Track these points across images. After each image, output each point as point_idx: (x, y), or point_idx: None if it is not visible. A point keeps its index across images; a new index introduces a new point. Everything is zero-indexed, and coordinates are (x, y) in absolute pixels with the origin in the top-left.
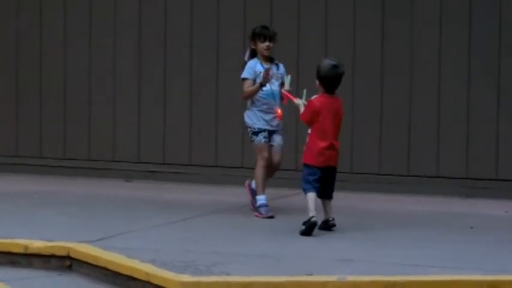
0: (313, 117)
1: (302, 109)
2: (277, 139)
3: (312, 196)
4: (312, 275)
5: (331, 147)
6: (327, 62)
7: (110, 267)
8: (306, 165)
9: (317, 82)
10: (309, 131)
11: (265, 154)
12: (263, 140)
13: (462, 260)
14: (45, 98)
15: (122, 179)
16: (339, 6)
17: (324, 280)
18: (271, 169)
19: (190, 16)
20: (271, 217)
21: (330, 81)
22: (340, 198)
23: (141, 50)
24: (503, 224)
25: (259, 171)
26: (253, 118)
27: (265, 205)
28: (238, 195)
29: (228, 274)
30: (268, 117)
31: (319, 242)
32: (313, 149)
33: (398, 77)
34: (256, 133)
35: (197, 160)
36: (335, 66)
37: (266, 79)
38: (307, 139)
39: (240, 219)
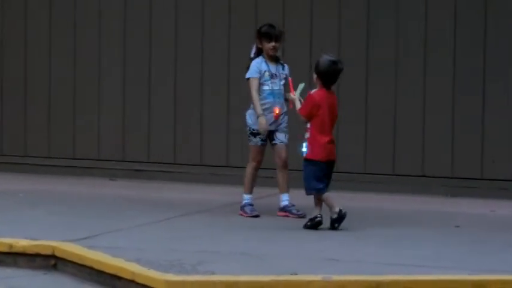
0: (312, 111)
1: (298, 104)
2: (279, 137)
3: (328, 196)
4: (296, 274)
5: (331, 141)
6: (326, 58)
7: (95, 266)
8: (310, 161)
9: (315, 76)
10: (308, 125)
11: (258, 157)
12: (260, 142)
13: (448, 259)
14: (31, 96)
15: (107, 178)
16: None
17: (309, 279)
18: (279, 167)
19: (174, 15)
20: (257, 216)
21: (328, 76)
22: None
23: (125, 49)
24: (489, 224)
25: (249, 171)
26: (253, 118)
27: (250, 204)
28: (223, 194)
29: (213, 273)
30: (269, 117)
31: (303, 242)
32: (316, 144)
33: (383, 77)
34: (254, 134)
35: (182, 159)
36: (334, 63)
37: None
38: (307, 134)
39: (225, 218)
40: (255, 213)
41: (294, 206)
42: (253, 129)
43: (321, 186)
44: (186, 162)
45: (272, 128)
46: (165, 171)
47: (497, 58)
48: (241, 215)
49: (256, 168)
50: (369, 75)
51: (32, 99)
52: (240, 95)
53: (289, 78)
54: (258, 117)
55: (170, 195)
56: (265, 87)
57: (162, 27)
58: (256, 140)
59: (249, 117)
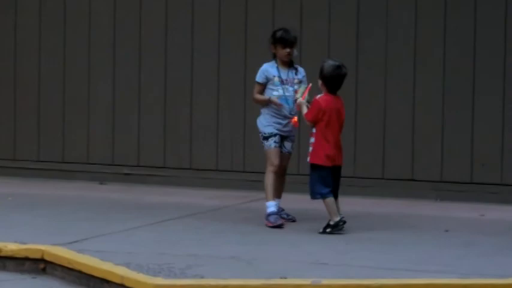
0: (318, 116)
1: (304, 109)
2: (287, 146)
3: (332, 201)
4: (286, 278)
5: (337, 146)
6: (330, 63)
7: (84, 270)
8: (316, 166)
9: (320, 82)
10: (314, 130)
11: (275, 161)
12: (273, 145)
13: (437, 263)
14: (19, 100)
15: (96, 182)
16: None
17: (299, 283)
18: (279, 174)
19: (164, 19)
20: (280, 226)
21: (333, 81)
22: (314, 202)
23: (115, 53)
24: (478, 228)
25: (269, 177)
26: (263, 122)
27: (275, 213)
28: (212, 197)
29: (202, 277)
30: (280, 121)
31: (292, 246)
32: (321, 149)
33: (372, 81)
34: (266, 138)
35: (172, 163)
36: (338, 67)
37: (276, 104)
38: (313, 139)
39: (215, 221)
40: (279, 222)
41: (283, 210)
42: (264, 133)
43: (325, 191)
44: (175, 166)
45: (285, 133)
46: (154, 175)
47: (486, 62)
48: (267, 224)
49: (276, 173)
50: (358, 80)
51: (21, 102)
52: (229, 99)
53: (309, 85)
54: (269, 100)
55: (159, 199)
56: (275, 93)
57: (151, 31)
58: (270, 143)
59: (260, 122)
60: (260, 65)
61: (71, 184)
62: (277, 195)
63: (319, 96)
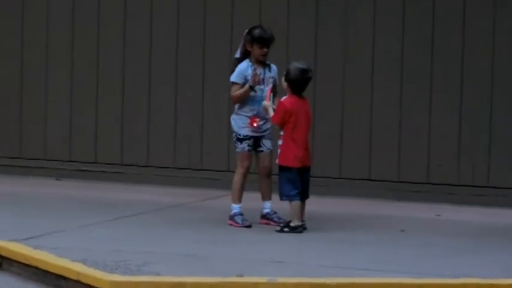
0: (284, 118)
1: (271, 111)
2: (267, 144)
3: (297, 204)
4: (242, 276)
5: (305, 147)
6: (296, 66)
7: (40, 266)
8: (285, 168)
9: (285, 84)
10: (281, 132)
11: (246, 163)
12: (247, 148)
13: (393, 263)
14: None
15: (53, 178)
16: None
17: (255, 281)
18: (262, 175)
19: (123, 13)
20: (249, 226)
21: (298, 84)
22: (272, 201)
23: (73, 48)
24: (434, 228)
25: (238, 178)
26: (239, 123)
27: (240, 214)
28: (170, 195)
29: (158, 274)
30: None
31: (249, 244)
32: (289, 151)
33: (331, 81)
34: (240, 140)
35: (129, 160)
36: (304, 71)
37: (255, 82)
38: (281, 141)
39: (172, 219)
40: (247, 223)
41: (276, 213)
42: (239, 135)
43: (293, 193)
44: (132, 163)
45: (262, 133)
46: (111, 172)
47: (445, 62)
48: (231, 224)
49: (245, 175)
50: (316, 79)
51: None
52: (188, 95)
53: (269, 87)
54: (250, 87)
55: (117, 196)
56: (252, 93)
57: (109, 27)
58: (243, 146)
59: (234, 122)
60: (217, 59)
61: (28, 180)
62: (267, 198)
63: (284, 98)
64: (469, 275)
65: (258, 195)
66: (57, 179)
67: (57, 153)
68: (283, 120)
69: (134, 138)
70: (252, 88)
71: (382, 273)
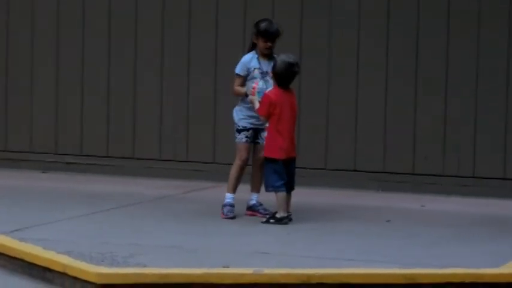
0: (269, 110)
1: (256, 104)
2: (264, 136)
3: (283, 195)
4: (228, 267)
5: (290, 139)
6: (283, 60)
7: (26, 258)
8: (270, 160)
9: (271, 75)
10: (267, 124)
11: (244, 154)
12: (244, 139)
13: (378, 253)
14: None
15: (39, 171)
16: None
17: (241, 272)
18: (255, 167)
19: (108, 4)
20: (232, 218)
21: (283, 78)
22: (259, 194)
23: (58, 41)
24: (419, 218)
25: (234, 170)
26: (239, 114)
27: (230, 205)
28: (156, 187)
29: (144, 266)
30: (256, 114)
31: (234, 235)
32: (274, 142)
33: (316, 69)
34: (239, 131)
35: (115, 152)
36: (290, 65)
37: (253, 94)
38: (265, 133)
39: (158, 211)
40: (231, 215)
41: (262, 205)
42: (238, 126)
43: (278, 184)
44: (118, 155)
45: (261, 126)
46: (97, 164)
47: (428, 56)
48: (221, 215)
49: (241, 168)
50: (302, 67)
51: None
52: (172, 88)
53: (256, 81)
54: (245, 95)
55: (102, 188)
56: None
57: (95, 18)
58: (241, 137)
59: (236, 114)
60: (201, 51)
61: (14, 173)
62: (255, 189)
63: (268, 89)
64: (456, 264)
65: (248, 187)
66: (43, 172)
67: (43, 146)
68: (269, 112)
69: (120, 131)
70: (247, 96)
71: (369, 263)
